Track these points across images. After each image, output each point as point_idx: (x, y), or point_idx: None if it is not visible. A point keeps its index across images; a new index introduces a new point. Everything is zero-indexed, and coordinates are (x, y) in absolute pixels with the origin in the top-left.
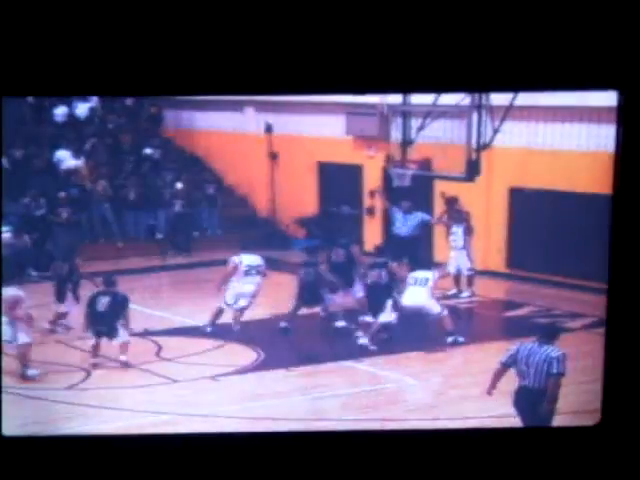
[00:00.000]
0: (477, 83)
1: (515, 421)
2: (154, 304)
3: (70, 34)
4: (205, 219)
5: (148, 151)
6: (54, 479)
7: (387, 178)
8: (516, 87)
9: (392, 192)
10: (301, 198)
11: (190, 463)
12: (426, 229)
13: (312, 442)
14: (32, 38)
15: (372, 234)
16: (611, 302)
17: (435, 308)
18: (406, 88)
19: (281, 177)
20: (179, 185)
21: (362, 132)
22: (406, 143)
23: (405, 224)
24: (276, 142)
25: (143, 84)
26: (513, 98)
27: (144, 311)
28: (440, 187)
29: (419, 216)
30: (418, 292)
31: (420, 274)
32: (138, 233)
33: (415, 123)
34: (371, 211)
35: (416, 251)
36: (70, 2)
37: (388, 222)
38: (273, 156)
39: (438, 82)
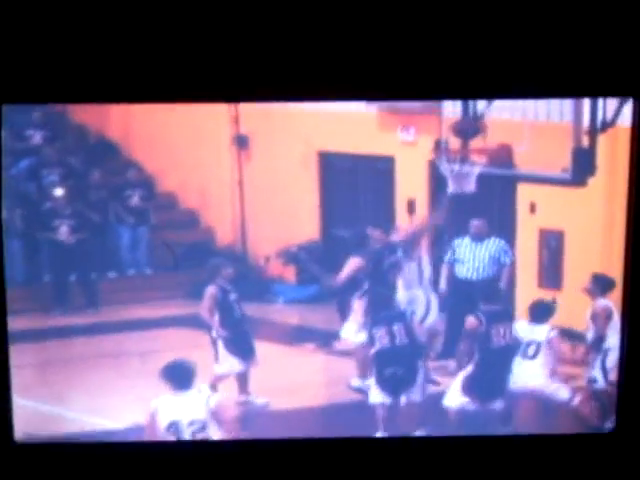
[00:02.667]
0: (485, 89)
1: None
2: (40, 392)
3: (71, 40)
4: (126, 249)
5: (25, 134)
6: None
7: (437, 179)
8: (527, 94)
9: (444, 203)
10: (290, 213)
11: (206, 469)
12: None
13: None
14: (32, 45)
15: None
16: (629, 303)
17: (561, 393)
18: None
19: (255, 178)
20: (59, 191)
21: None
22: (469, 121)
23: (474, 258)
24: (246, 118)
25: (149, 90)
26: None
27: (25, 405)
28: (527, 194)
29: (495, 245)
30: (527, 369)
31: (524, 332)
32: (15, 276)
33: None
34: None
35: (491, 303)
36: (70, 9)
37: (438, 253)
38: (241, 142)
39: (444, 88)
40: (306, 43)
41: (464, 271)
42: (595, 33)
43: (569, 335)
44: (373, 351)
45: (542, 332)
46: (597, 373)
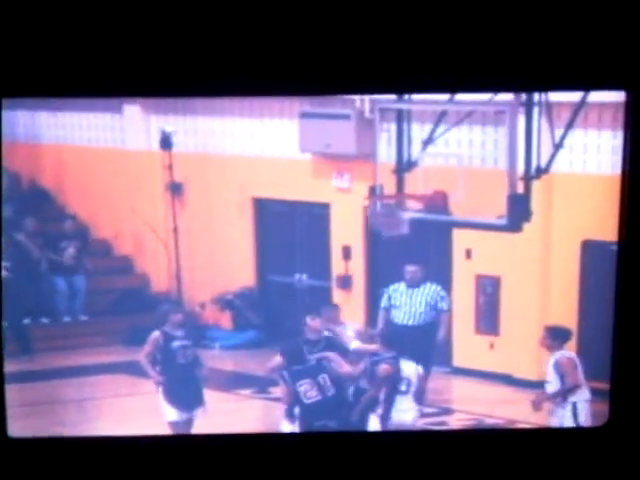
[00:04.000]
0: (475, 83)
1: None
2: None
3: (71, 33)
4: (61, 297)
5: None
6: None
7: (371, 225)
8: (518, 87)
9: (379, 248)
10: (225, 260)
11: (198, 464)
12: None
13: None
14: (32, 37)
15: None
16: (621, 298)
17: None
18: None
19: (190, 224)
20: None
21: (328, 148)
22: (404, 166)
23: (410, 304)
24: (180, 165)
25: (150, 84)
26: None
27: None
28: (463, 240)
29: (432, 290)
30: (405, 404)
31: (406, 367)
32: None
33: (420, 132)
34: (346, 282)
35: (428, 350)
36: (70, 2)
37: (374, 301)
38: (175, 189)
39: (432, 82)
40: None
41: (401, 317)
42: (587, 26)
43: (508, 380)
44: (298, 407)
45: (411, 368)
46: (569, 423)
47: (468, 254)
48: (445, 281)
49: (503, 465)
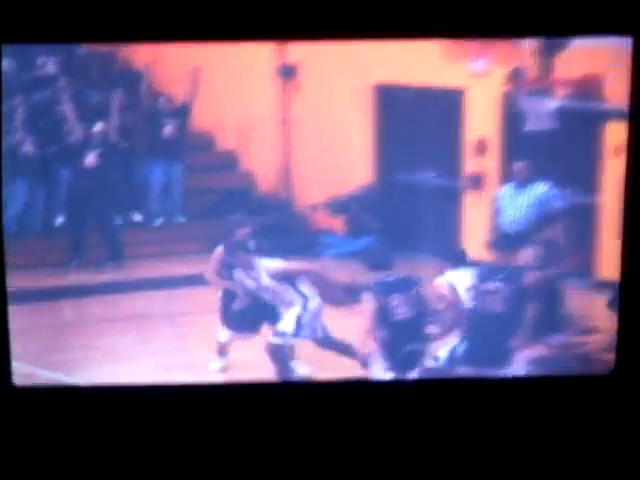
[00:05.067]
0: (479, 28)
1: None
2: (51, 360)
3: None
4: (157, 191)
5: (45, 68)
6: (67, 431)
7: (511, 115)
8: (521, 33)
9: (519, 143)
10: (341, 155)
11: (203, 412)
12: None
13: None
14: None
15: (478, 226)
16: (628, 250)
17: None
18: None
19: (303, 115)
20: (99, 127)
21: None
22: (552, 49)
23: (515, 207)
24: (294, 46)
25: (153, 29)
26: None
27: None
28: (615, 133)
29: (539, 189)
30: None
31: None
32: (30, 222)
33: None
34: (478, 181)
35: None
36: None
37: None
38: (287, 73)
39: (436, 27)
40: None
41: (505, 222)
42: None
43: None
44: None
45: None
46: None
47: (617, 151)
48: (588, 180)
49: (509, 413)
